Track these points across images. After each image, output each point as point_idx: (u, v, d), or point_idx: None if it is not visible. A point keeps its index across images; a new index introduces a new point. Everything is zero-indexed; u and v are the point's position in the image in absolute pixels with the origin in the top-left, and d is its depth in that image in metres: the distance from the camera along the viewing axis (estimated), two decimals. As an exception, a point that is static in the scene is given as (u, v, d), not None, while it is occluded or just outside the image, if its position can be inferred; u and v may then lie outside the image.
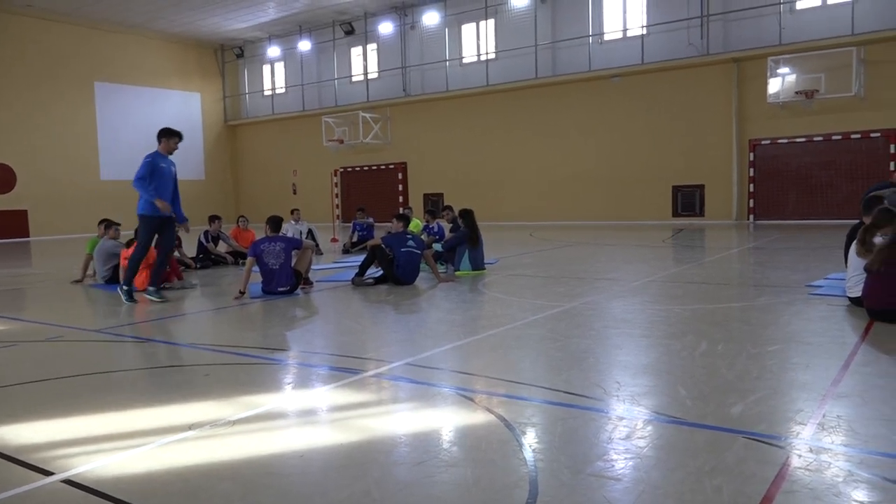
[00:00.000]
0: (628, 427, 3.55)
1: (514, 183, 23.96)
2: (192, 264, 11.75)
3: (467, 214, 10.11)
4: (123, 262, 9.31)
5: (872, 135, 18.41)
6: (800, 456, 3.08)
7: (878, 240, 6.16)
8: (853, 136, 18.66)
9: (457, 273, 9.73)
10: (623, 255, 12.54)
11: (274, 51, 29.29)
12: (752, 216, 20.23)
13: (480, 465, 3.11)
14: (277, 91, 30.62)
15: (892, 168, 18.10)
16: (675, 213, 21.43)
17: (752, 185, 20.24)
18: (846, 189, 18.64)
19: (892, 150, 18.16)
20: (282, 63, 30.16)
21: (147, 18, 25.88)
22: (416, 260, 9.03)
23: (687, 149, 20.98)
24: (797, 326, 5.81)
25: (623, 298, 7.46)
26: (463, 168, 25.07)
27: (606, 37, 22.34)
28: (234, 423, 3.78)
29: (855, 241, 6.41)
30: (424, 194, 26.09)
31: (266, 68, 30.84)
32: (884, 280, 5.71)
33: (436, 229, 12.56)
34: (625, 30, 21.98)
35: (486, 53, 24.54)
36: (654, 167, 21.51)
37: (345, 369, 4.89)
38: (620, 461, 3.11)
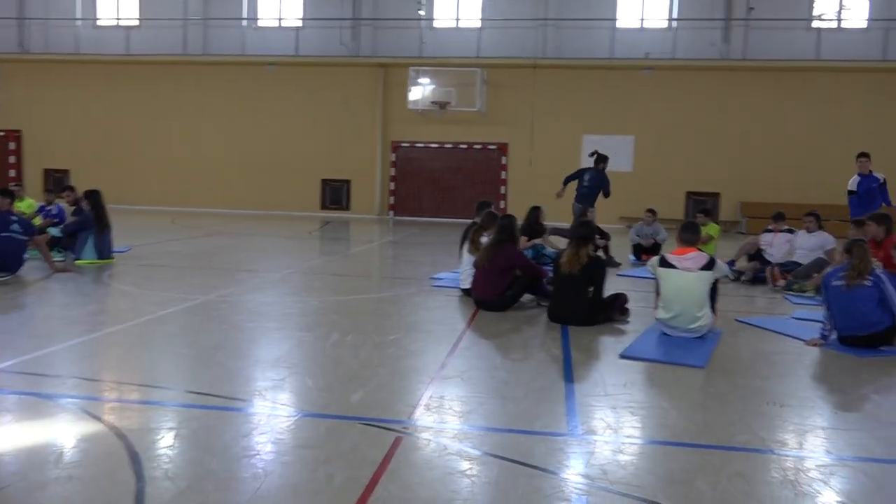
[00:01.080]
0: (253, 424, 3.52)
1: (158, 164, 22.19)
2: None
3: (94, 195, 9.03)
4: None
5: (490, 147, 21.35)
6: (406, 436, 3.39)
7: (484, 239, 7.14)
8: (476, 147, 21.40)
9: (77, 262, 8.63)
10: (268, 245, 12.50)
11: None
12: (392, 212, 21.88)
13: (79, 483, 2.78)
14: None
15: (503, 176, 21.23)
16: (324, 206, 22.12)
17: (392, 184, 21.89)
18: (469, 192, 21.27)
19: (503, 162, 21.28)
20: None
21: None
22: (19, 246, 7.71)
23: (337, 144, 21.77)
24: (418, 316, 6.43)
25: (261, 291, 7.42)
26: (96, 143, 22.37)
27: (261, 23, 22.01)
28: None
29: (467, 240, 7.34)
30: (45, 170, 22.63)
31: None
32: (487, 274, 6.63)
33: (55, 211, 10.97)
34: (280, 18, 21.93)
35: (128, 19, 22.25)
36: (305, 159, 21.87)
37: None
38: (241, 459, 3.06)
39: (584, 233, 6.30)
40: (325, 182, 22.08)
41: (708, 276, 5.53)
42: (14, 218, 7.77)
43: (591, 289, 6.12)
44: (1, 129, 22.79)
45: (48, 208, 11.06)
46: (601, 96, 20.40)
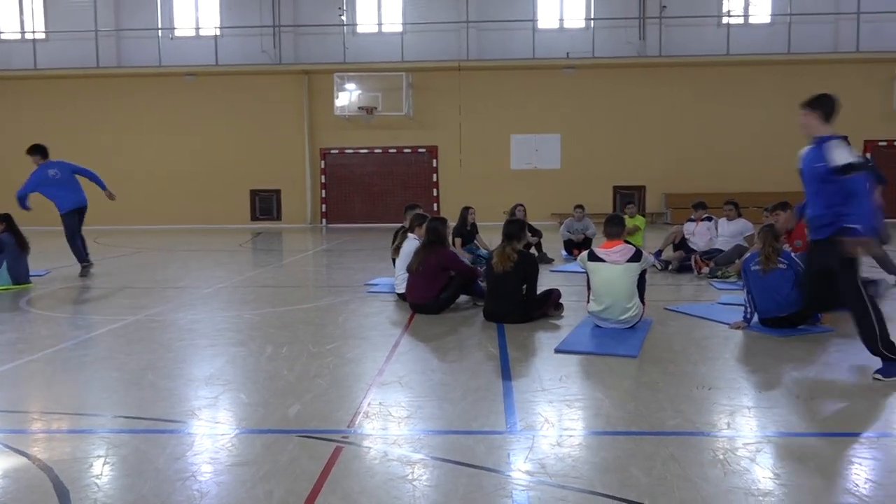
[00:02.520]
0: (186, 444, 3.42)
1: (75, 182, 21.29)
2: None
3: (7, 218, 8.60)
4: None
5: (420, 150, 21.39)
6: (346, 445, 3.36)
7: (413, 242, 7.14)
8: (405, 150, 21.41)
9: (-7, 288, 8.19)
10: (198, 260, 12.18)
11: None
12: (324, 220, 21.65)
13: (1, 520, 2.65)
14: None
15: (434, 179, 21.31)
16: (254, 217, 21.70)
17: (323, 191, 21.66)
18: (401, 196, 21.25)
19: (434, 164, 21.35)
20: None
21: None
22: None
23: (264, 153, 21.40)
24: (354, 323, 6.39)
25: (192, 307, 7.22)
26: (4, 163, 21.29)
27: (178, 33, 21.43)
28: None
29: (396, 244, 7.34)
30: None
31: None
32: (420, 277, 6.64)
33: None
34: (197, 28, 21.40)
35: (34, 32, 21.28)
36: (232, 170, 21.41)
37: None
38: (173, 482, 2.97)
39: (513, 230, 6.38)
40: (254, 192, 21.68)
41: (635, 268, 5.70)
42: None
43: (525, 286, 6.21)
44: None
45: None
46: (526, 96, 20.76)
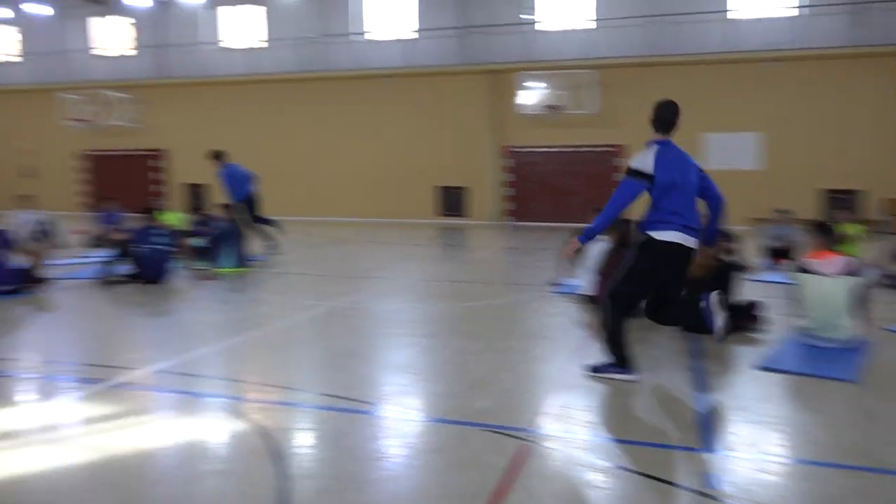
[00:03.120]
0: (383, 427, 3.66)
1: (285, 177, 23.39)
2: None
3: (232, 208, 9.66)
4: None
5: (605, 148, 20.92)
6: (532, 444, 3.40)
7: (600, 244, 7.00)
8: (591, 149, 21.04)
9: (218, 271, 9.25)
10: (391, 253, 12.86)
11: (5, 12, 25.43)
12: (510, 218, 21.91)
13: (230, 477, 3.00)
14: (4, 58, 26.65)
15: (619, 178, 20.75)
16: (441, 213, 22.48)
17: (508, 189, 21.92)
18: (585, 195, 20.90)
19: (619, 164, 20.78)
20: (14, 27, 26.30)
21: None
22: (164, 257, 8.38)
23: (451, 152, 22.08)
24: (539, 322, 6.42)
25: (387, 297, 7.65)
26: (228, 158, 23.92)
27: (376, 37, 22.73)
28: (-65, 452, 3.23)
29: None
30: (186, 184, 24.45)
31: (-7, 31, 26.69)
32: (608, 280, 6.50)
33: (197, 223, 11.81)
34: (394, 32, 22.55)
35: (256, 41, 23.65)
36: (421, 167, 22.33)
37: (87, 379, 4.42)
38: (375, 461, 3.19)
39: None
40: (441, 189, 22.46)
41: (854, 283, 5.16)
42: (158, 230, 8.45)
43: (721, 293, 5.86)
44: (148, 148, 24.86)
45: (193, 220, 11.94)
46: (720, 91, 19.49)
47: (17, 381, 4.50)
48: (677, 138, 4.74)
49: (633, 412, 3.89)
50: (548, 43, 21.15)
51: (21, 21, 25.95)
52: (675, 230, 4.26)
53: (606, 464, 3.18)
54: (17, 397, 4.17)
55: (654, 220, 4.28)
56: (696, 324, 4.54)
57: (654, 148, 4.51)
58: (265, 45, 23.43)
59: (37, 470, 3.05)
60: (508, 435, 3.50)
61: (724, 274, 5.91)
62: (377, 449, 3.35)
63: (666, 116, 4.67)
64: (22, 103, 26.21)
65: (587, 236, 4.56)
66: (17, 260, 7.65)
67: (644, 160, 4.49)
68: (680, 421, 3.76)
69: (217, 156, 12.31)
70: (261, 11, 23.46)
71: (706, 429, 3.63)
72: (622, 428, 3.66)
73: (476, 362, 4.90)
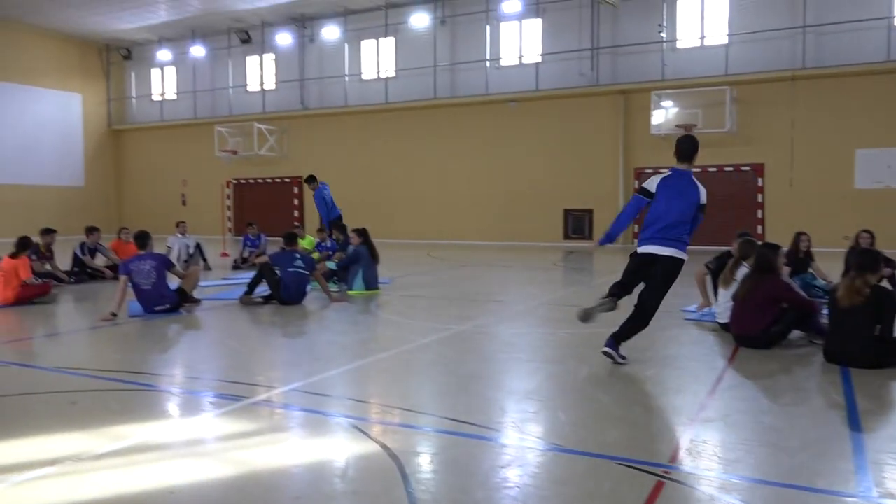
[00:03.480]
0: (510, 455, 3.61)
1: (411, 201, 24.07)
2: (65, 278, 10.99)
3: (363, 232, 10.03)
4: (8, 275, 8.64)
5: (743, 168, 19.85)
6: (668, 481, 3.23)
7: (743, 270, 6.63)
8: (727, 169, 20.04)
9: (350, 293, 9.62)
10: (514, 276, 12.83)
11: (164, 54, 28.07)
12: (636, 241, 21.27)
13: (361, 497, 3.07)
14: (168, 96, 29.36)
15: (759, 199, 19.60)
16: (566, 236, 22.20)
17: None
18: (720, 218, 19.92)
19: (759, 183, 19.65)
20: (173, 68, 28.95)
21: (21, 11, 24.07)
22: (303, 280, 8.83)
23: (577, 174, 21.81)
24: (671, 350, 6.14)
25: (512, 321, 7.62)
26: (360, 184, 24.93)
27: (503, 62, 22.96)
28: (100, 456, 3.54)
29: (724, 271, 6.88)
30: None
31: (155, 72, 29.50)
32: (746, 307, 6.13)
33: (330, 246, 12.39)
34: (521, 56, 22.68)
35: (386, 71, 24.61)
36: (546, 190, 22.21)
37: (227, 396, 4.70)
38: (501, 490, 3.15)
39: (867, 262, 5.55)
40: (567, 212, 22.18)
41: None
42: (298, 255, 8.93)
43: (879, 326, 5.36)
44: (288, 175, 26.40)
45: (323, 244, 12.53)
46: (877, 104, 18.00)
47: (165, 395, 4.86)
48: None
49: (779, 450, 3.60)
50: (682, 61, 20.48)
51: (177, 62, 28.52)
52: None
53: (750, 507, 2.96)
54: (165, 411, 4.50)
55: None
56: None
57: (665, 174, 5.57)
58: (393, 74, 24.31)
59: (184, 481, 3.26)
60: (642, 470, 3.35)
61: (882, 302, 5.39)
62: (504, 477, 3.30)
63: (684, 149, 5.71)
64: (179, 136, 28.73)
65: (608, 239, 5.72)
66: (173, 281, 8.34)
67: (652, 182, 5.55)
68: (830, 461, 3.44)
69: (311, 180, 13.60)
70: (390, 42, 24.41)
71: (861, 471, 3.30)
72: (767, 468, 3.40)
73: (605, 392, 4.75)
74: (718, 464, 3.47)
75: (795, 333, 6.34)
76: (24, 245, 9.24)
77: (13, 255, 8.88)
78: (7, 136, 24.78)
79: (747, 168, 19.81)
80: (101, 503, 3.02)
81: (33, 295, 8.88)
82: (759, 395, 4.86)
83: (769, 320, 6.04)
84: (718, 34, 20.15)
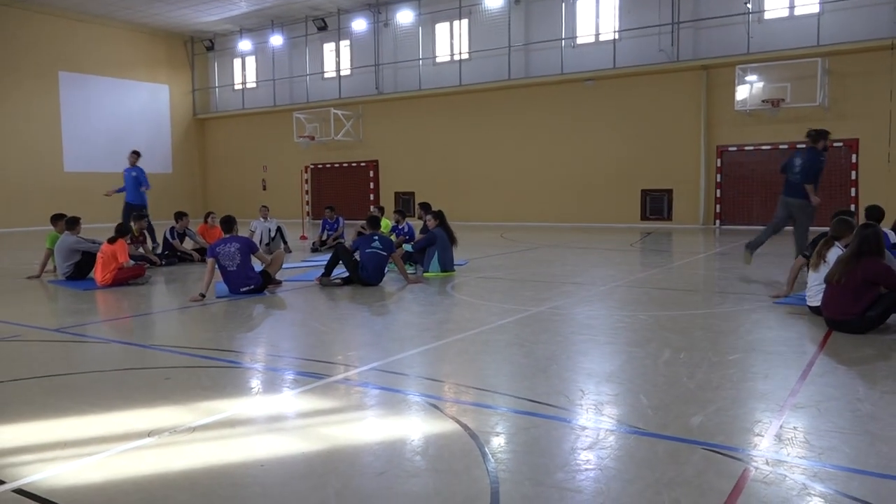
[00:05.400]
0: (590, 437, 3.57)
1: (485, 183, 24.01)
2: (156, 261, 11.56)
3: (440, 215, 10.08)
4: (107, 259, 9.18)
5: (835, 144, 18.79)
6: (756, 468, 3.13)
7: (836, 250, 6.30)
8: (817, 145, 19.01)
9: (426, 274, 9.71)
10: (591, 258, 12.64)
11: (245, 44, 28.90)
12: (718, 221, 20.54)
13: (442, 475, 3.10)
14: (248, 85, 30.25)
15: (853, 177, 18.56)
16: (644, 217, 21.66)
17: (718, 191, 20.55)
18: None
19: (853, 160, 18.59)
20: (253, 57, 29.79)
21: (113, 8, 25.32)
22: (381, 261, 8.98)
23: (656, 153, 21.21)
24: (758, 335, 5.91)
25: (589, 303, 7.51)
26: (434, 167, 25.06)
27: (579, 40, 22.48)
28: (195, 429, 3.72)
29: (814, 252, 6.56)
30: (395, 193, 26.00)
31: (237, 62, 30.43)
32: (842, 291, 5.83)
33: (406, 230, 12.53)
34: (597, 34, 22.15)
35: (460, 53, 24.53)
36: (623, 171, 21.71)
37: (309, 374, 4.84)
38: (581, 472, 3.13)
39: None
40: (644, 192, 21.64)
41: None
42: (376, 237, 9.07)
43: None
44: (364, 160, 26.82)
45: (400, 227, 12.68)
46: None
47: (251, 372, 5.05)
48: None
49: (877, 439, 3.42)
50: (769, 32, 19.53)
51: (257, 51, 29.31)
52: None
53: (845, 497, 2.83)
54: (251, 387, 4.68)
55: None
56: None
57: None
58: (467, 56, 24.21)
59: (272, 454, 3.38)
60: (729, 456, 3.25)
61: None
62: (584, 458, 3.27)
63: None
64: (259, 124, 29.60)
65: None
66: (256, 263, 8.63)
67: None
68: (939, 455, 3.25)
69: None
70: (464, 25, 24.29)
71: (975, 467, 3.10)
72: (866, 457, 3.24)
73: (690, 376, 4.63)
74: (811, 452, 3.33)
75: (893, 318, 5.99)
76: (122, 231, 9.75)
77: (111, 240, 9.39)
78: (103, 127, 26.21)
79: (840, 144, 18.76)
80: (197, 473, 3.17)
81: (128, 277, 9.39)
82: (855, 381, 4.63)
83: (865, 304, 5.73)
84: (809, 3, 19.08)
